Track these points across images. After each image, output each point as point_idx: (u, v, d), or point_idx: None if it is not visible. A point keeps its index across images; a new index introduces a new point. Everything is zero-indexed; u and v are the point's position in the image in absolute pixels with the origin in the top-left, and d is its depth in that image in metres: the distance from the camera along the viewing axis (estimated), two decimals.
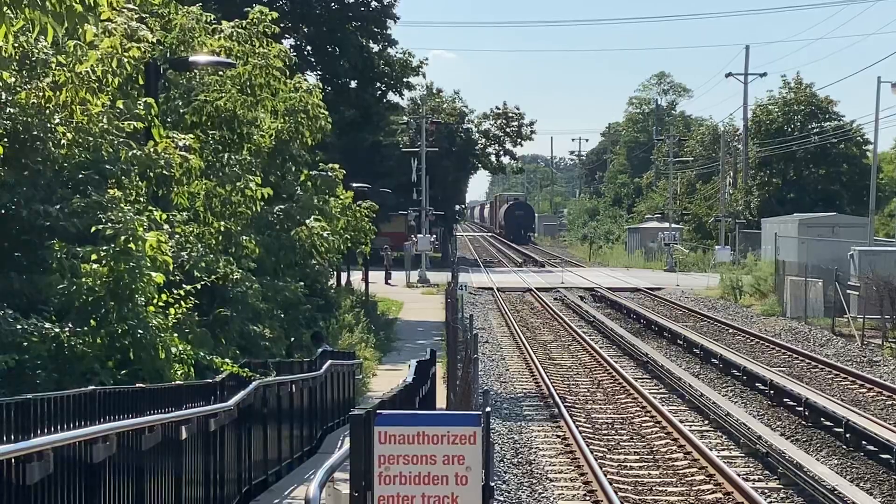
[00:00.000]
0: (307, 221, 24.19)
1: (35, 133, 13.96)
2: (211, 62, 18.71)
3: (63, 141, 14.36)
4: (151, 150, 15.41)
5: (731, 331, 40.86)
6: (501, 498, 16.90)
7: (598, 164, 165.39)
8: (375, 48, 51.16)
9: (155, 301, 13.70)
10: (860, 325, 37.18)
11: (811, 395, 24.40)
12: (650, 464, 19.71)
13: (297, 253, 24.00)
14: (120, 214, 13.22)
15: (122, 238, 13.03)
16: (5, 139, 13.49)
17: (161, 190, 16.07)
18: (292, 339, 22.99)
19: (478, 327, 33.22)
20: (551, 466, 19.40)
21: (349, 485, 7.38)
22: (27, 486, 7.33)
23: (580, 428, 22.23)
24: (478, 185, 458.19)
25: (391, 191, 67.11)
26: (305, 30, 48.93)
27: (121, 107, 15.32)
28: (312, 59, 49.01)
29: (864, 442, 20.46)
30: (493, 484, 8.18)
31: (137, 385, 10.71)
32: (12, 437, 7.24)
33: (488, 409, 9.20)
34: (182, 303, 14.85)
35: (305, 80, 28.92)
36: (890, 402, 25.32)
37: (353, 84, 50.06)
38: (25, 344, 12.06)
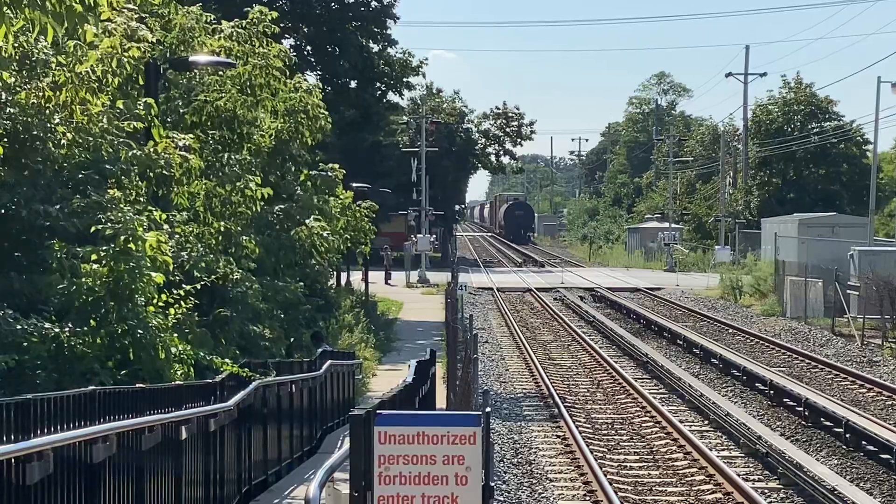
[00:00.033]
0: (307, 221, 24.19)
1: (35, 133, 13.96)
2: (211, 62, 18.71)
3: (63, 141, 14.35)
4: (151, 150, 15.41)
5: (730, 331, 40.86)
6: (501, 498, 16.90)
7: (598, 164, 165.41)
8: (375, 48, 51.17)
9: (155, 301, 13.70)
10: (860, 325, 37.18)
11: (811, 396, 24.40)
12: (650, 464, 19.71)
13: (296, 253, 24.01)
14: (120, 214, 13.22)
15: (122, 238, 13.03)
16: (5, 139, 13.49)
17: (161, 190, 16.07)
18: (292, 339, 23.00)
19: (477, 327, 33.22)
20: (551, 466, 19.40)
21: (349, 485, 7.38)
22: (27, 486, 7.33)
23: (580, 428, 22.23)
24: (478, 185, 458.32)
25: (391, 191, 67.11)
26: (305, 30, 48.93)
27: (121, 107, 15.32)
28: (312, 59, 49.02)
29: (863, 442, 20.46)
30: (492, 484, 8.19)
31: (137, 385, 10.71)
32: (12, 437, 7.24)
33: (488, 409, 9.20)
34: (182, 303, 14.85)
35: (305, 80, 28.92)
36: (890, 402, 25.32)
37: (353, 84, 50.07)
38: (25, 344, 12.06)
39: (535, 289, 60.33)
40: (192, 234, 17.38)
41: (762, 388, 26.94)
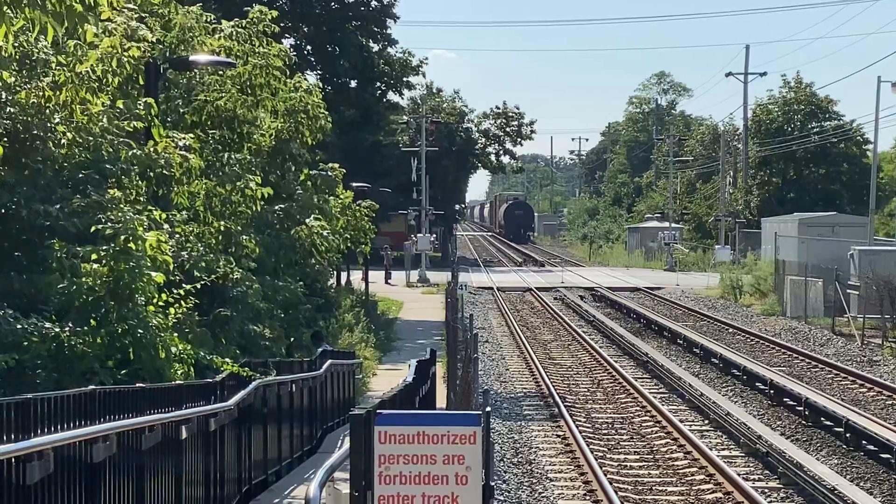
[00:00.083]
0: (307, 221, 24.19)
1: (35, 133, 13.96)
2: (211, 62, 18.71)
3: (63, 141, 14.36)
4: (151, 149, 15.42)
5: (731, 330, 40.86)
6: (501, 497, 16.90)
7: (598, 163, 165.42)
8: (375, 48, 51.16)
9: (155, 301, 13.70)
10: (860, 325, 37.18)
11: (811, 395, 24.40)
12: (650, 463, 19.71)
13: (297, 252, 24.01)
14: (120, 214, 13.22)
15: (122, 238, 13.03)
16: (5, 139, 13.49)
17: (161, 189, 16.07)
18: (292, 338, 23.00)
19: (478, 327, 33.21)
20: (551, 466, 19.41)
21: (349, 484, 7.38)
22: (27, 486, 7.33)
23: (580, 427, 22.23)
24: (478, 185, 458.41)
25: (391, 190, 67.11)
26: (305, 29, 48.92)
27: (121, 106, 15.32)
28: (312, 59, 49.01)
29: (864, 441, 20.46)
30: (493, 483, 8.19)
31: (137, 385, 10.72)
32: (12, 436, 7.25)
33: (488, 408, 9.20)
34: (182, 302, 14.85)
35: (305, 79, 28.91)
36: (890, 402, 25.32)
37: (353, 84, 50.05)
38: (25, 343, 12.07)
39: (536, 288, 60.33)
40: (192, 233, 17.38)
41: (762, 387, 26.94)
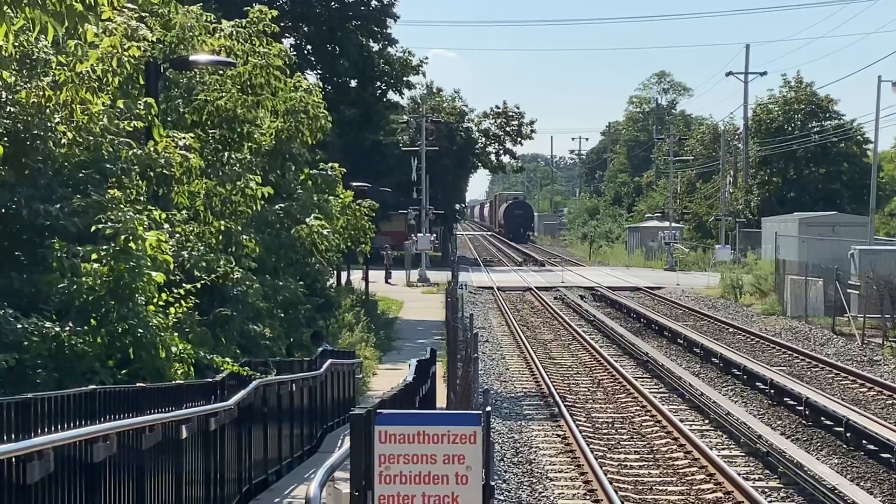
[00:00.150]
0: (307, 220, 24.20)
1: (35, 132, 13.96)
2: (211, 61, 18.71)
3: (63, 140, 14.36)
4: (152, 149, 15.42)
5: (731, 330, 40.86)
6: (502, 497, 16.90)
7: (599, 163, 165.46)
8: (375, 47, 51.14)
9: (155, 300, 13.71)
10: (860, 325, 37.18)
11: (811, 395, 24.40)
12: (650, 463, 19.71)
13: (297, 251, 24.02)
14: (120, 214, 13.23)
15: (123, 237, 13.04)
16: (5, 138, 13.49)
17: (161, 189, 16.07)
18: (292, 338, 23.00)
19: (478, 326, 33.22)
20: (551, 466, 19.41)
21: (349, 484, 7.38)
22: (28, 486, 7.33)
23: (580, 427, 22.23)
24: (478, 185, 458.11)
25: (391, 190, 67.09)
26: (305, 29, 48.92)
27: (121, 106, 15.33)
28: (312, 59, 49.01)
29: (864, 441, 20.46)
30: (493, 483, 8.19)
31: (138, 384, 10.72)
32: (13, 436, 7.25)
33: (488, 408, 9.20)
34: (182, 302, 14.86)
35: (305, 79, 28.92)
36: (890, 402, 25.32)
37: (353, 83, 50.05)
38: (26, 343, 12.07)
39: (536, 288, 60.33)
40: (192, 233, 17.38)
41: (762, 387, 26.94)
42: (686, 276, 68.95)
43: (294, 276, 23.99)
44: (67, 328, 12.53)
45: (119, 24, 14.57)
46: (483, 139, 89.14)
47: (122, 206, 13.54)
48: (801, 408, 23.69)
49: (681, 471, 18.92)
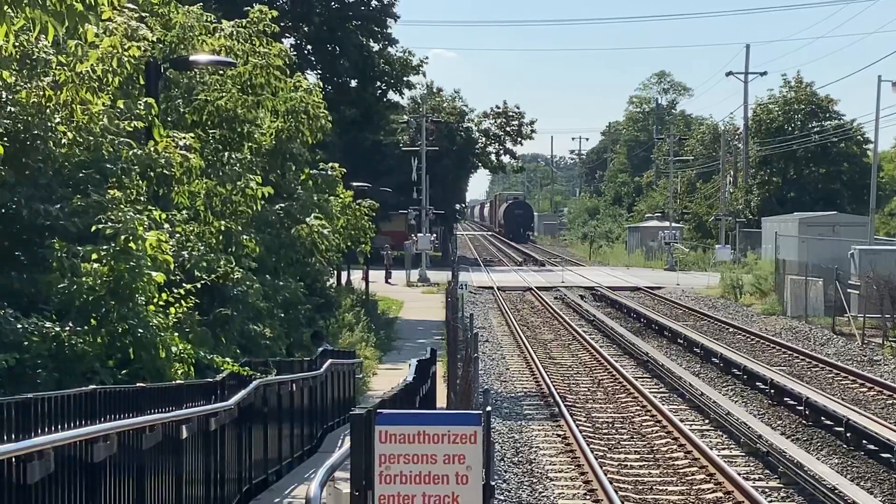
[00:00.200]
0: (307, 220, 24.21)
1: (35, 132, 13.96)
2: (211, 61, 18.71)
3: (63, 140, 14.36)
4: (152, 149, 15.42)
5: (731, 330, 40.87)
6: (502, 497, 16.90)
7: (599, 163, 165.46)
8: (376, 47, 51.15)
9: (155, 300, 13.70)
10: (860, 325, 37.18)
11: (811, 395, 24.40)
12: (650, 463, 19.71)
13: (297, 251, 24.02)
14: (120, 214, 13.23)
15: (123, 237, 13.04)
16: (6, 138, 13.49)
17: (161, 189, 16.07)
18: (292, 338, 23.01)
19: (478, 326, 33.23)
20: (552, 465, 19.41)
21: (350, 484, 7.38)
22: (28, 486, 7.33)
23: (580, 427, 22.23)
24: (478, 184, 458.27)
25: (391, 190, 67.11)
26: (305, 29, 48.93)
27: (121, 106, 15.33)
28: (312, 58, 49.02)
29: (864, 441, 20.46)
30: (493, 483, 8.19)
31: (138, 384, 10.72)
32: (13, 436, 7.25)
33: (489, 408, 9.20)
34: (182, 302, 14.86)
35: (305, 79, 28.93)
36: (890, 402, 25.32)
37: (354, 83, 50.06)
38: (26, 343, 12.07)
39: (536, 288, 60.33)
40: (192, 233, 17.38)
41: (763, 387, 26.95)
42: (686, 276, 68.95)
43: (294, 276, 23.99)
44: (67, 328, 12.53)
45: (119, 24, 14.57)
46: (483, 139, 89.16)
47: (122, 206, 13.54)
48: (802, 408, 23.69)
49: (681, 471, 18.92)
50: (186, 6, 19.94)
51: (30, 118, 13.86)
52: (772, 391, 26.05)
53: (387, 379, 27.90)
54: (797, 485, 17.54)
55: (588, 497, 17.16)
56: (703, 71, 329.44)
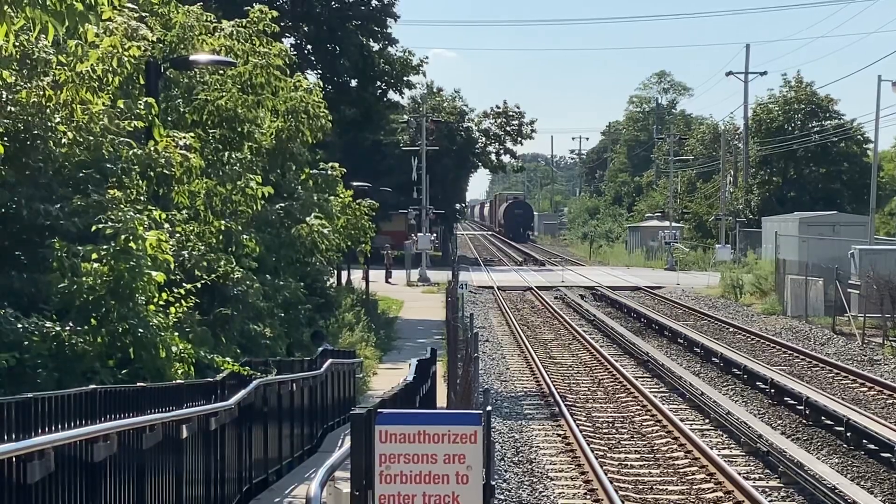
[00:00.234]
0: (308, 219, 24.21)
1: (36, 132, 13.97)
2: (211, 61, 18.72)
3: (64, 140, 14.36)
4: (152, 149, 15.43)
5: (731, 329, 40.86)
6: (502, 497, 16.90)
7: (599, 162, 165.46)
8: (376, 47, 51.15)
9: (155, 300, 13.71)
10: (861, 324, 37.18)
11: (812, 394, 24.40)
12: (651, 462, 19.71)
13: (297, 250, 24.03)
14: (120, 213, 13.24)
15: (123, 237, 13.04)
16: (6, 138, 13.49)
17: (161, 189, 16.08)
18: (292, 338, 23.01)
19: (478, 326, 33.23)
20: (552, 465, 19.40)
21: (350, 483, 7.38)
22: (28, 486, 7.33)
23: (581, 427, 22.23)
24: (478, 184, 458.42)
25: (391, 189, 67.14)
26: (306, 28, 48.94)
27: (121, 106, 15.33)
28: (313, 58, 49.03)
29: (864, 441, 20.46)
30: (493, 483, 8.18)
31: (138, 384, 10.72)
32: (13, 436, 7.25)
33: (489, 407, 9.20)
34: (183, 302, 14.86)
35: (305, 78, 28.93)
36: (891, 401, 25.32)
37: (354, 83, 50.07)
38: (26, 343, 12.07)
39: (536, 287, 60.32)
40: (192, 232, 17.39)
41: (763, 386, 26.94)
42: (686, 276, 68.95)
43: (294, 276, 24.00)
44: (68, 328, 12.54)
45: (119, 23, 14.58)
46: (483, 139, 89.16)
47: (122, 205, 13.55)
48: (802, 407, 23.68)
49: (681, 470, 18.91)
50: (186, 6, 19.95)
51: (30, 118, 13.86)
52: (772, 391, 26.05)
53: (387, 379, 27.90)
54: (797, 484, 17.53)
55: (588, 497, 17.15)
56: (703, 71, 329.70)
